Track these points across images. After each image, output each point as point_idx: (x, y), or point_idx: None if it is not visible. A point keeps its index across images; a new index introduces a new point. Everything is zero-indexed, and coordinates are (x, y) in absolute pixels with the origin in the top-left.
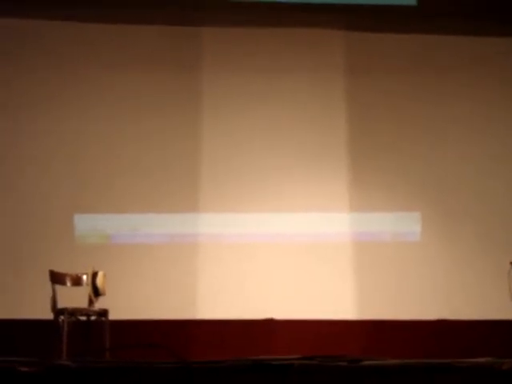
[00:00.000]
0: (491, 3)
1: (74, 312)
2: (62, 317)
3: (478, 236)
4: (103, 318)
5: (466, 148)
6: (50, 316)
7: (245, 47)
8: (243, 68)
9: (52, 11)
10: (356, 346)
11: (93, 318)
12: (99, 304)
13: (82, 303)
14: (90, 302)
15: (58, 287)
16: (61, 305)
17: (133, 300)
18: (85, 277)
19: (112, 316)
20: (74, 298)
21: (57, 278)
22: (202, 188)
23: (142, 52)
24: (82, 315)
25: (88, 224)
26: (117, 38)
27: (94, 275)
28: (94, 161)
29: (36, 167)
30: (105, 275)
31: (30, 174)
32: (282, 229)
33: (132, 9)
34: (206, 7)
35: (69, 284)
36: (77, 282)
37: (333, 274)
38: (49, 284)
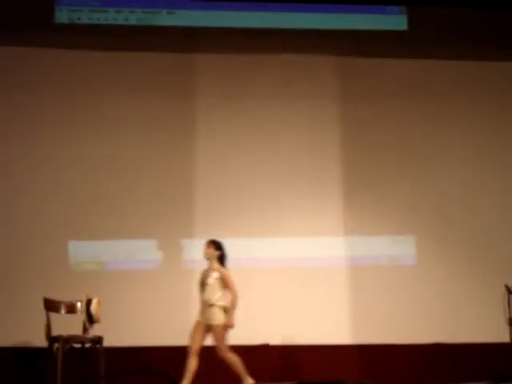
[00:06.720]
0: (482, 27)
1: (68, 339)
2: (56, 344)
3: (472, 259)
4: (98, 346)
5: (460, 172)
6: (44, 344)
7: (238, 74)
8: (237, 94)
9: (50, 39)
10: (351, 370)
11: (87, 345)
12: (94, 331)
13: (77, 330)
14: (85, 330)
15: (53, 315)
16: (55, 332)
17: (127, 327)
18: (79, 304)
19: (107, 343)
20: (68, 325)
21: (51, 306)
22: (196, 214)
23: (138, 79)
24: (76, 343)
25: (83, 251)
26: (113, 65)
27: (89, 302)
28: (89, 188)
29: (32, 194)
30: (99, 302)
31: (26, 200)
32: (276, 254)
33: (126, 36)
34: (200, 34)
35: (63, 311)
36: (71, 309)
37: (328, 299)
38: (43, 311)
